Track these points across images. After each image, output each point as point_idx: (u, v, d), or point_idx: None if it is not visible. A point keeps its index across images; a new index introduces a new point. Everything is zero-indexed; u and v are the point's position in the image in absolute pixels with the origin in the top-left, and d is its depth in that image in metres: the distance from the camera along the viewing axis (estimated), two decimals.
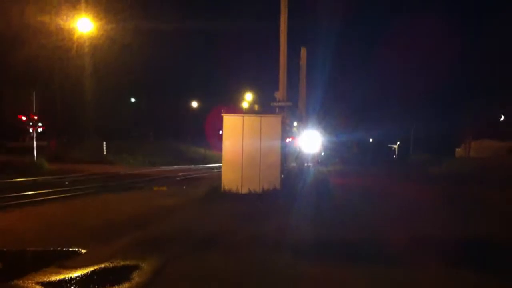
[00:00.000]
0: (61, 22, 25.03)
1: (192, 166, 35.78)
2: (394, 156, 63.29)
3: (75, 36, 25.76)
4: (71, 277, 5.27)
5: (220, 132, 13.52)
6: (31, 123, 27.13)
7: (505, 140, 45.84)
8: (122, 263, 5.81)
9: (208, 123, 42.12)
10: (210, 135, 42.34)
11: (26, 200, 12.15)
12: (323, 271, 5.56)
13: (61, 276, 5.29)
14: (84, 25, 24.36)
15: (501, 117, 49.06)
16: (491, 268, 5.86)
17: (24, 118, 27.54)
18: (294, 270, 5.61)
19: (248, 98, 44.86)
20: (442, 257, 6.24)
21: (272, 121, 13.31)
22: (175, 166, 34.29)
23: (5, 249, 7.06)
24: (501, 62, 49.70)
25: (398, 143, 68.90)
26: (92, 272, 5.49)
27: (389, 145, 69.19)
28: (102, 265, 5.71)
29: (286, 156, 16.00)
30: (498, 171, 22.37)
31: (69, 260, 6.12)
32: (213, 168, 31.52)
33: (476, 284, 5.29)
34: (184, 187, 17.83)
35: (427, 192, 15.59)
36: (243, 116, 13.49)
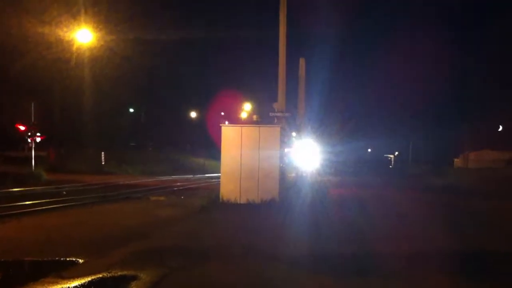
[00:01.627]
0: (61, 33, 25.16)
1: (191, 176, 35.70)
2: (390, 167, 63.22)
3: (75, 46, 25.88)
4: (69, 287, 5.27)
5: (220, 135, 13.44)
6: (29, 133, 27.10)
7: (504, 150, 45.99)
8: (120, 273, 5.81)
9: (207, 133, 42.17)
10: (209, 145, 42.36)
11: (24, 210, 12.11)
12: (320, 283, 5.55)
13: (59, 286, 5.28)
14: (83, 36, 24.48)
15: (499, 127, 49.28)
16: (492, 279, 5.87)
17: (22, 128, 27.54)
18: (291, 282, 5.61)
19: (247, 108, 44.96)
20: (441, 268, 6.25)
21: (271, 131, 13.32)
22: (174, 176, 34.20)
23: (2, 260, 7.05)
24: (499, 72, 50.04)
25: (397, 153, 68.97)
26: (90, 282, 5.48)
27: (385, 155, 69.20)
28: (100, 275, 5.70)
29: (285, 166, 16.00)
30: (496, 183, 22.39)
31: (67, 270, 6.10)
32: (212, 178, 31.45)
33: None
34: (182, 197, 17.80)
35: (423, 204, 15.59)
36: (241, 126, 13.53)
